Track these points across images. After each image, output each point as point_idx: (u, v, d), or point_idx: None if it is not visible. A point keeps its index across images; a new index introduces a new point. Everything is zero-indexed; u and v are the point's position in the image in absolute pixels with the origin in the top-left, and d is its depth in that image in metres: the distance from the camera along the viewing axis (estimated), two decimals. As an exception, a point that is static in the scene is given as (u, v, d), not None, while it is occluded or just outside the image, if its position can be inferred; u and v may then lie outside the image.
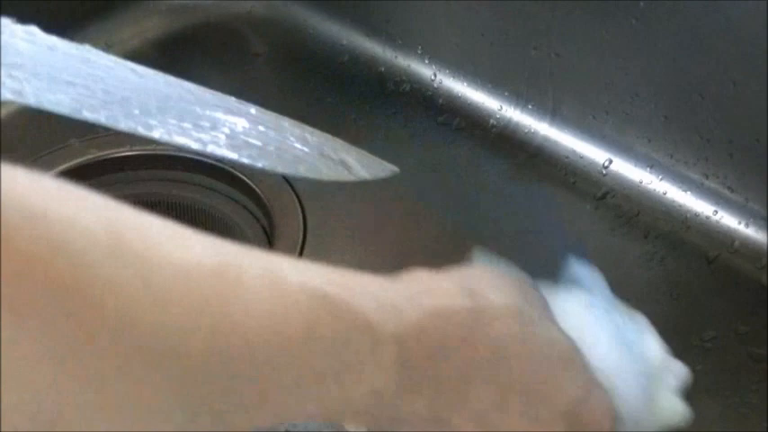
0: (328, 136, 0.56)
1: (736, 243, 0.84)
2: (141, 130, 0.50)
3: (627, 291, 0.83)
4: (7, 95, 0.46)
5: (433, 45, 0.96)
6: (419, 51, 0.97)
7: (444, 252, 0.86)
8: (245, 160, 0.53)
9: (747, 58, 0.81)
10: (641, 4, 0.84)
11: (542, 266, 0.85)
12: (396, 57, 0.97)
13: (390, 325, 0.41)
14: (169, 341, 0.35)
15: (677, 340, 0.79)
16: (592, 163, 0.91)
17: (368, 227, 0.85)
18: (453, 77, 0.96)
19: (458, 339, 0.43)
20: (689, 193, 0.87)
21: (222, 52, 0.99)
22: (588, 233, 0.87)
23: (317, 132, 0.56)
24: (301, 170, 0.55)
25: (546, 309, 0.49)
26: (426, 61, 0.97)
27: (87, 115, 0.49)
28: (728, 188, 0.85)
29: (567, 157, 0.91)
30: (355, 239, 0.85)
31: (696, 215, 0.86)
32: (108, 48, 0.98)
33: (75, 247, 0.33)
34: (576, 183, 0.90)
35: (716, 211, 0.86)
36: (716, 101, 0.84)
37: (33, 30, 0.49)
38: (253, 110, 0.54)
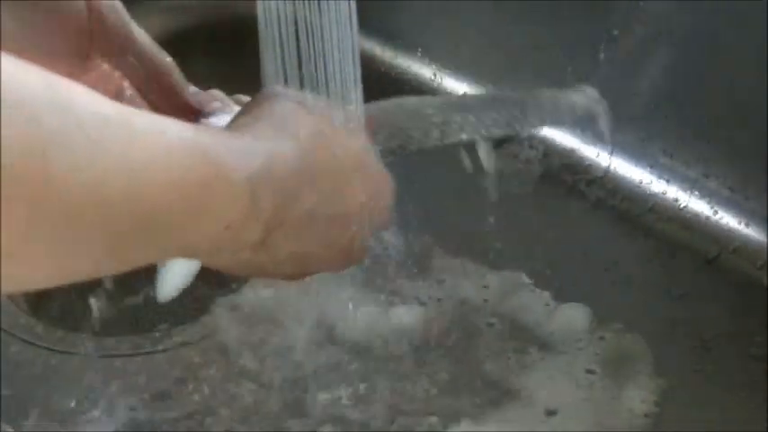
0: None
1: (736, 243, 0.84)
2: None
3: (627, 291, 0.83)
4: None
5: (433, 45, 0.97)
6: (419, 51, 0.97)
7: (441, 251, 0.86)
8: None
9: (747, 57, 0.81)
10: (641, 4, 0.84)
11: (542, 264, 0.85)
12: (396, 57, 0.97)
13: (243, 169, 0.49)
14: (102, 185, 0.41)
15: (677, 340, 0.79)
16: (592, 163, 0.91)
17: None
18: (453, 77, 0.96)
19: (289, 176, 0.52)
20: (689, 193, 0.87)
21: (222, 52, 0.99)
22: (588, 233, 0.87)
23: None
24: None
25: (337, 118, 0.58)
26: (426, 61, 0.97)
27: None
28: (728, 188, 0.85)
29: (567, 157, 0.91)
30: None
31: (696, 215, 0.86)
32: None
33: (14, 98, 0.37)
34: (576, 183, 0.90)
35: (716, 211, 0.86)
36: (716, 101, 0.84)
37: None
38: None
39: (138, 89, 0.61)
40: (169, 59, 0.62)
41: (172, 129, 0.46)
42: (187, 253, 0.51)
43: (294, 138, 0.54)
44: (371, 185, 0.58)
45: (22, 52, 0.55)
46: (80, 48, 0.59)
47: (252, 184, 0.49)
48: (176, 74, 0.63)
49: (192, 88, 0.63)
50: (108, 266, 0.45)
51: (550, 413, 0.74)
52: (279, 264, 0.55)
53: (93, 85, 0.58)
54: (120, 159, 0.42)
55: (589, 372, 0.76)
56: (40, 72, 0.40)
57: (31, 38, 0.57)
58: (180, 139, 0.46)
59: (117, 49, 0.60)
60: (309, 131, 0.55)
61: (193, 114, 0.62)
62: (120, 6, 0.59)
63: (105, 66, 0.60)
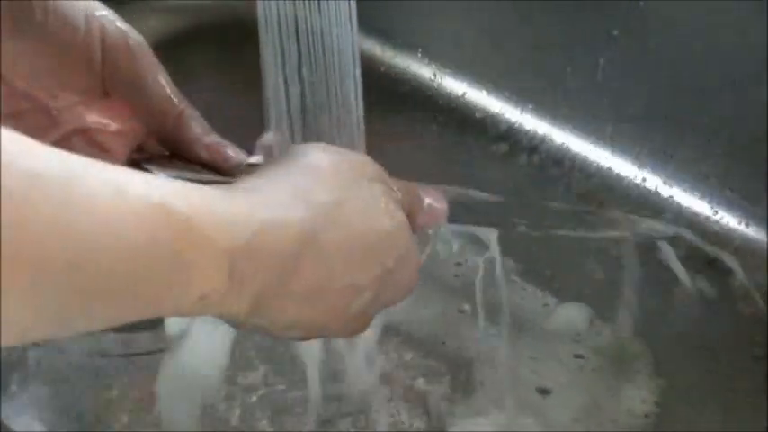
0: None
1: (736, 243, 0.84)
2: None
3: (627, 291, 0.83)
4: None
5: (433, 45, 0.96)
6: (419, 51, 0.97)
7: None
8: None
9: (747, 58, 0.81)
10: (641, 4, 0.84)
11: (540, 265, 0.85)
12: (396, 57, 0.97)
13: (224, 241, 0.45)
14: (32, 256, 0.38)
15: (677, 340, 0.79)
16: (592, 163, 0.91)
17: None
18: (453, 77, 0.96)
19: (289, 251, 0.48)
20: (689, 193, 0.87)
21: (222, 52, 0.99)
22: (588, 233, 0.87)
23: None
24: None
25: (374, 188, 0.54)
26: (426, 61, 0.97)
27: None
28: (728, 188, 0.85)
29: (567, 157, 0.91)
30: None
31: (696, 215, 0.86)
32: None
33: None
34: (575, 183, 0.90)
35: (716, 212, 0.86)
36: (716, 101, 0.84)
37: None
38: None
39: (154, 134, 0.59)
40: (189, 111, 0.59)
41: (135, 191, 0.42)
42: (165, 314, 0.47)
43: (307, 205, 0.50)
44: (392, 260, 0.54)
45: (35, 83, 0.56)
46: (94, 85, 0.57)
47: (232, 259, 0.46)
48: (191, 126, 0.59)
49: (213, 138, 0.60)
50: (43, 332, 0.41)
51: (543, 391, 0.74)
52: (279, 329, 0.52)
53: (111, 123, 0.58)
54: (57, 228, 0.38)
55: (591, 370, 0.76)
56: None
57: (45, 72, 0.56)
58: (146, 205, 0.42)
59: (131, 90, 0.57)
60: (327, 199, 0.51)
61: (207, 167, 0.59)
62: (139, 49, 0.57)
63: (122, 105, 0.58)
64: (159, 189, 0.43)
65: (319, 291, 0.51)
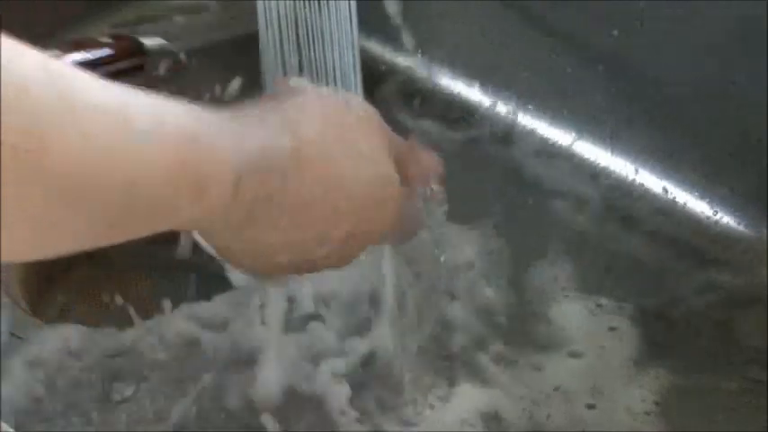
0: None
1: (736, 243, 0.84)
2: None
3: (627, 291, 0.83)
4: None
5: (433, 45, 0.97)
6: (419, 51, 0.97)
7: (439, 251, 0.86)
8: None
9: (747, 58, 0.81)
10: (641, 4, 0.84)
11: (541, 261, 0.85)
12: (396, 57, 0.97)
13: (234, 162, 0.51)
14: (93, 176, 0.43)
15: (678, 340, 0.79)
16: (592, 163, 0.91)
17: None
18: (453, 77, 0.96)
19: (277, 175, 0.54)
20: (689, 193, 0.87)
21: (222, 52, 0.99)
22: (588, 233, 0.87)
23: None
24: None
25: (359, 122, 0.59)
26: (426, 61, 0.97)
27: None
28: (728, 188, 0.85)
29: (566, 158, 0.91)
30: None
31: (696, 215, 0.86)
32: (108, 48, 0.98)
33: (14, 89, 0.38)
34: (575, 183, 0.90)
35: (716, 212, 0.86)
36: (716, 101, 0.84)
37: None
38: None
39: None
40: None
41: (171, 119, 0.47)
42: (174, 227, 0.52)
43: (293, 137, 0.55)
44: (373, 202, 0.58)
45: None
46: None
47: (237, 177, 0.51)
48: None
49: None
50: (85, 244, 0.46)
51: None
52: (270, 247, 0.56)
53: None
54: (114, 153, 0.43)
55: (590, 368, 0.76)
56: (36, 56, 0.40)
57: None
58: (178, 130, 0.47)
59: None
60: (313, 135, 0.56)
61: None
62: None
63: None
64: (186, 115, 0.49)
65: (303, 209, 0.55)
